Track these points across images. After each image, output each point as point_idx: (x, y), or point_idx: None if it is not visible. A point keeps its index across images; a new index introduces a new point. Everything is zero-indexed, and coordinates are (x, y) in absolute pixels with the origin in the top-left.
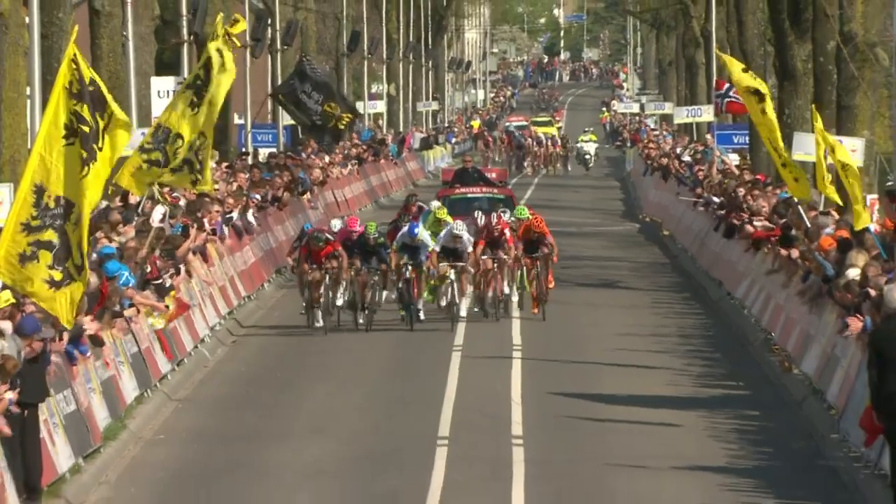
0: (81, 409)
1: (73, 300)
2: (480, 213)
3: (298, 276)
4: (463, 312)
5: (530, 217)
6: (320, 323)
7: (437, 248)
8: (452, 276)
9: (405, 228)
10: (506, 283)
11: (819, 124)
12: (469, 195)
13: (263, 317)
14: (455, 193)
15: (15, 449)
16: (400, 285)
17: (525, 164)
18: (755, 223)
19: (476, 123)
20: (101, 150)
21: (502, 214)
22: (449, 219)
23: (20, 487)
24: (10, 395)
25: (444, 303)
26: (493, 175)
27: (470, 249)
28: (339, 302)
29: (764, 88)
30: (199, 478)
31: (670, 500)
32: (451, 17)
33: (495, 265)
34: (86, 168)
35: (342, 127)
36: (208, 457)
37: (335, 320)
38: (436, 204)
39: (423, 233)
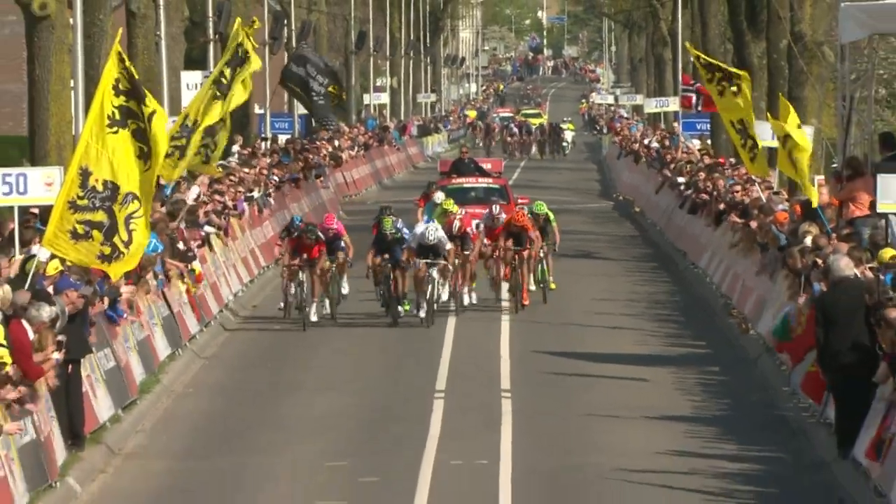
0: (120, 366)
1: (120, 271)
2: (498, 206)
3: (284, 268)
4: (444, 296)
5: (519, 207)
6: (314, 318)
7: (414, 246)
8: (435, 274)
9: (413, 231)
10: (530, 275)
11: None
12: (465, 185)
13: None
14: (452, 183)
15: (61, 400)
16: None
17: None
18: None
19: (472, 113)
20: (151, 137)
21: (524, 208)
22: (455, 209)
23: (66, 434)
24: (58, 356)
25: (422, 309)
26: (489, 166)
27: (449, 246)
28: (313, 318)
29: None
30: (223, 427)
31: (642, 446)
32: (447, 19)
33: (516, 259)
34: (147, 164)
35: (342, 102)
36: (231, 408)
37: (308, 315)
38: (441, 196)
39: (439, 232)
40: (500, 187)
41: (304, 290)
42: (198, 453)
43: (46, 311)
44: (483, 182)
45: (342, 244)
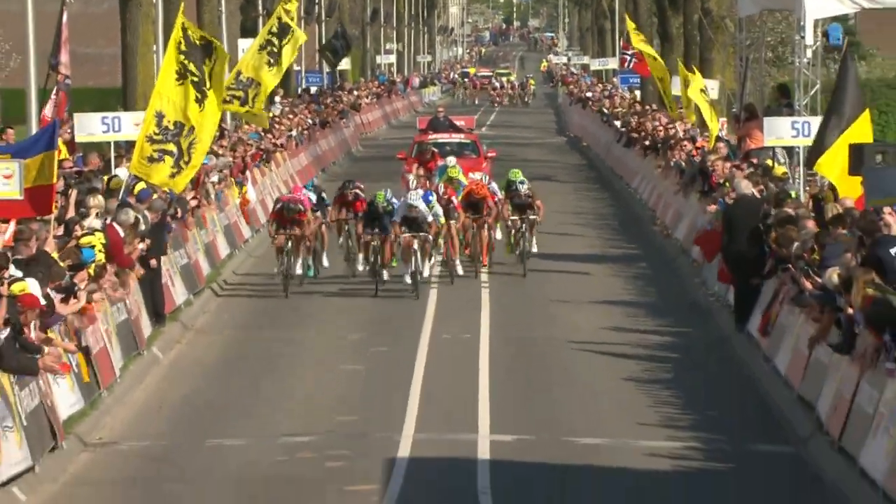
0: (191, 262)
1: (182, 183)
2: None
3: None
4: (426, 273)
5: (482, 177)
6: (299, 271)
7: (398, 220)
8: (416, 246)
9: (402, 200)
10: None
11: (697, 75)
12: (440, 140)
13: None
14: (428, 139)
15: (147, 289)
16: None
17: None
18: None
19: (472, 70)
20: (209, 90)
21: (484, 178)
22: (462, 178)
23: (151, 314)
24: (142, 246)
25: (410, 271)
26: (462, 122)
27: (430, 219)
28: (298, 270)
29: (651, 51)
30: (272, 307)
31: (588, 323)
32: None
33: (474, 226)
34: (202, 105)
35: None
36: (277, 294)
37: (297, 282)
38: (452, 160)
39: (435, 205)
40: (471, 142)
41: (290, 258)
42: (251, 328)
43: (131, 215)
44: (456, 137)
45: (388, 221)
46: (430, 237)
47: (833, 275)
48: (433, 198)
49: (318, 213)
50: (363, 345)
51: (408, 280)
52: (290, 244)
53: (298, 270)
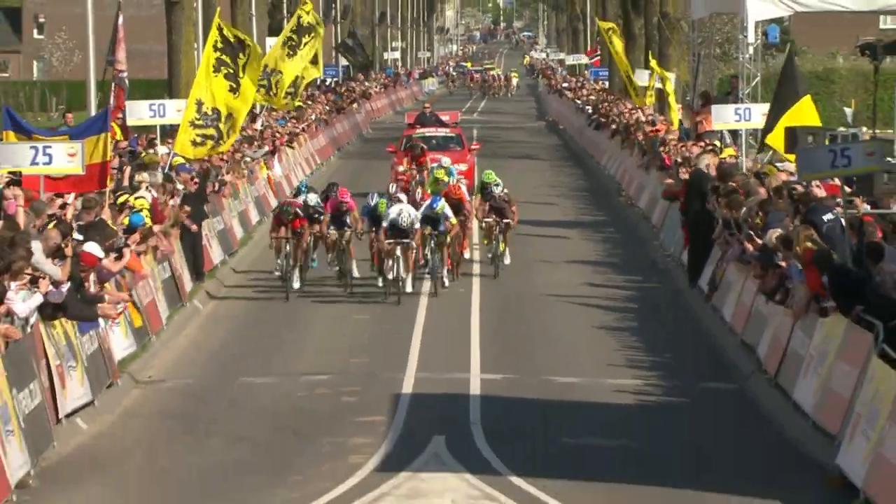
0: (226, 227)
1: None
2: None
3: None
4: (409, 288)
5: (457, 180)
6: (297, 284)
7: (386, 225)
8: (398, 253)
9: (427, 202)
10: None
11: (654, 63)
12: (427, 134)
13: (328, 177)
14: (416, 132)
15: (188, 249)
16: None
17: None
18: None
19: (469, 63)
20: (242, 79)
21: (461, 183)
22: (447, 178)
23: (192, 272)
24: (173, 202)
25: (390, 277)
26: (447, 117)
27: (417, 226)
28: (296, 284)
29: (620, 48)
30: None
31: (564, 280)
32: (438, 3)
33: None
34: (236, 93)
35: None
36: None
37: (291, 282)
38: (446, 160)
39: (443, 206)
40: (456, 135)
41: (290, 261)
42: (276, 288)
43: (158, 176)
44: (442, 131)
45: (348, 220)
46: (414, 245)
47: (773, 236)
48: (440, 203)
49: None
50: (372, 298)
51: (380, 283)
52: (287, 247)
53: (296, 284)
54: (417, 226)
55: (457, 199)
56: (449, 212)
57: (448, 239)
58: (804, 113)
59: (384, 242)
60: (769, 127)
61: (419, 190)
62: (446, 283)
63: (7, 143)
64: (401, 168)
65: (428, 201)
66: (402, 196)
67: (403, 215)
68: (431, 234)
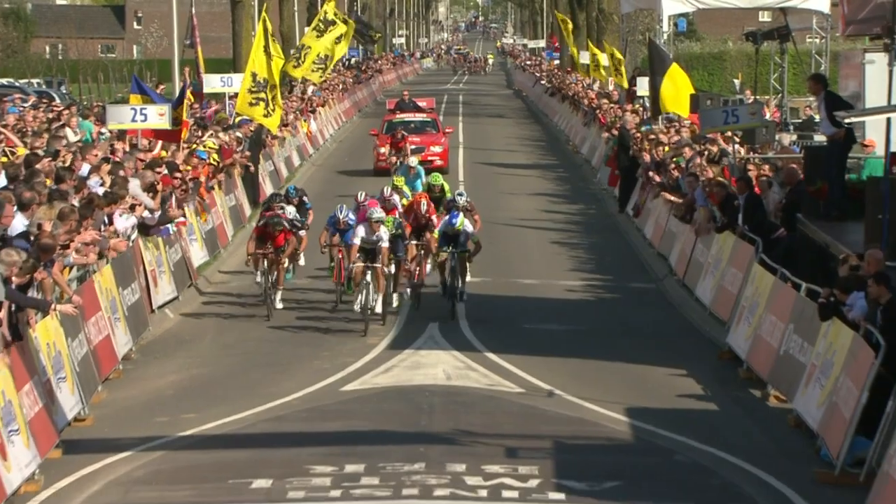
0: (276, 168)
1: (275, 124)
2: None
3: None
4: (378, 309)
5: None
6: (280, 305)
7: (357, 242)
8: (368, 278)
9: (445, 217)
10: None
11: (591, 46)
12: (406, 118)
13: (346, 136)
14: (395, 118)
15: (248, 185)
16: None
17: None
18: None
19: (460, 47)
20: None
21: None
22: (407, 189)
23: (250, 202)
24: (238, 155)
25: (358, 306)
26: (424, 104)
27: (386, 245)
28: (279, 305)
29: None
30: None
31: (530, 208)
32: (433, 0)
33: (421, 251)
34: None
35: (376, 40)
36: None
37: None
38: (414, 160)
39: (463, 221)
40: (431, 120)
41: (271, 278)
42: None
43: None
44: (419, 116)
45: (403, 245)
46: (385, 269)
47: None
48: (459, 219)
49: (302, 233)
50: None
51: (356, 308)
52: (265, 263)
53: (279, 305)
54: (386, 243)
55: (425, 216)
56: (469, 227)
57: (470, 258)
58: (676, 76)
59: (357, 265)
60: (654, 96)
61: (406, 190)
62: (464, 297)
63: (113, 103)
64: (381, 150)
65: (446, 217)
66: (378, 211)
67: (374, 233)
68: (452, 253)
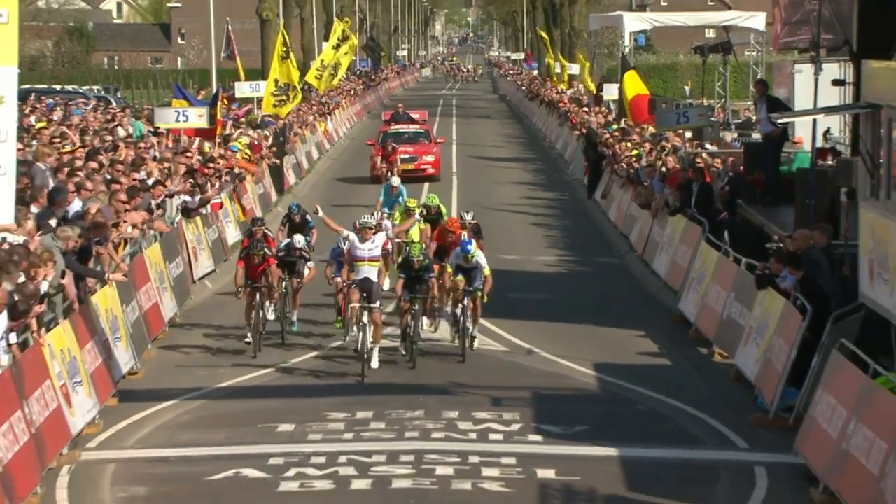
0: (298, 161)
1: (286, 111)
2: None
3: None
4: (374, 364)
5: (444, 219)
6: (272, 316)
7: (348, 247)
8: (364, 319)
9: (457, 248)
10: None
11: (561, 59)
12: (400, 129)
13: (356, 134)
14: (390, 129)
15: (274, 175)
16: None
17: (459, 78)
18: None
19: (454, 59)
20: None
21: (463, 220)
22: (416, 208)
23: (277, 190)
24: (266, 150)
25: (351, 340)
26: (417, 115)
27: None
28: (271, 316)
29: (549, 48)
30: (337, 184)
31: (508, 195)
32: (431, 19)
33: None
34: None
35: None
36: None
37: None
38: (396, 180)
39: (476, 252)
40: (424, 131)
41: (262, 312)
42: (334, 198)
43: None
44: (413, 127)
45: (429, 277)
46: (381, 311)
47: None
48: (472, 247)
49: (311, 264)
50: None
51: (353, 347)
52: (258, 297)
53: (271, 316)
54: (379, 250)
55: (453, 238)
56: (482, 259)
57: (484, 297)
58: (631, 80)
59: (353, 306)
60: (620, 100)
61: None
62: (475, 346)
63: (160, 106)
64: (377, 159)
65: (457, 249)
66: (371, 218)
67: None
68: (465, 290)
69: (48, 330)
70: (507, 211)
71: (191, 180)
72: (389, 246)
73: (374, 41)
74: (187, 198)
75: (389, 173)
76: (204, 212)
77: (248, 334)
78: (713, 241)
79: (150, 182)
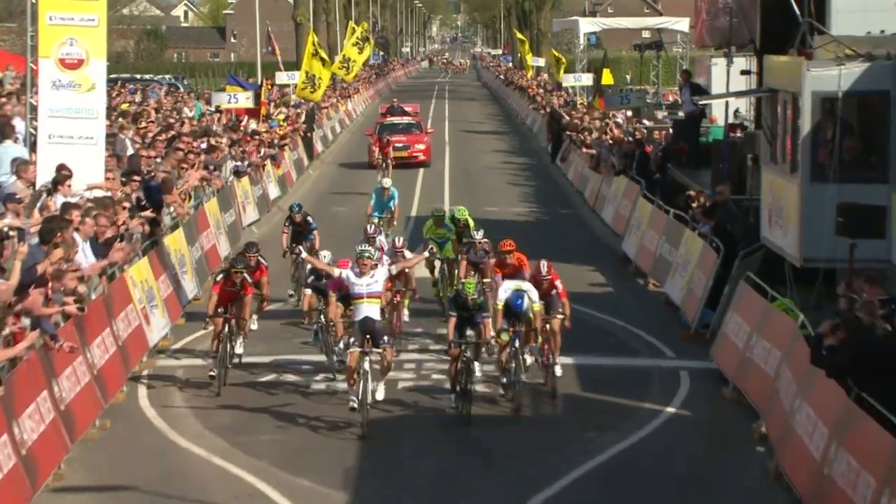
0: (325, 134)
1: (318, 96)
2: (545, 263)
3: (207, 320)
4: (380, 396)
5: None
6: (213, 372)
7: (344, 277)
8: (365, 367)
9: (508, 286)
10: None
11: (530, 54)
12: (395, 121)
13: (369, 113)
14: (386, 120)
15: (306, 144)
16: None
17: (450, 70)
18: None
19: (447, 55)
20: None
21: (552, 265)
22: (450, 222)
23: (308, 156)
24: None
25: (354, 402)
26: (410, 109)
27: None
28: (239, 349)
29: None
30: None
31: (488, 160)
32: (430, 22)
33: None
34: (325, 65)
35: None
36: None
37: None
38: (388, 182)
39: (529, 297)
40: (416, 122)
41: (230, 345)
42: (348, 168)
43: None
44: (406, 119)
45: (482, 318)
46: (389, 358)
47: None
48: (525, 301)
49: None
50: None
51: (353, 404)
52: (227, 328)
53: (239, 349)
54: (380, 286)
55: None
56: (534, 294)
57: (540, 339)
58: (607, 75)
59: (351, 351)
60: (597, 86)
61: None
62: (524, 410)
63: (217, 91)
64: (374, 149)
65: (512, 286)
66: (368, 249)
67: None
68: (516, 332)
69: (130, 266)
70: (488, 171)
71: (240, 149)
72: (395, 269)
73: (384, 40)
74: (238, 162)
75: (385, 164)
76: (250, 171)
77: (213, 367)
78: (648, 196)
79: (207, 149)
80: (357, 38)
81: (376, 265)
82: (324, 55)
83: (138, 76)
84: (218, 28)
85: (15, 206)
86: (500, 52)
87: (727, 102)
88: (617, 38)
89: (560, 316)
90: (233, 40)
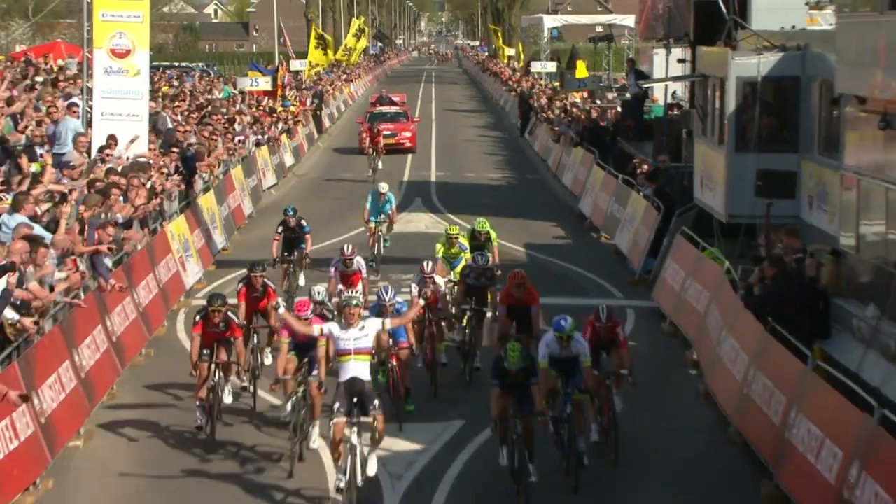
0: (332, 112)
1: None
2: (604, 307)
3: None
4: (371, 472)
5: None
6: (228, 400)
7: (320, 332)
8: (353, 440)
9: (547, 335)
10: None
11: (503, 45)
12: (383, 110)
13: (369, 93)
14: (375, 109)
15: (315, 121)
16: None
17: (436, 59)
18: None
19: (433, 46)
20: (322, 48)
21: (612, 311)
22: (463, 239)
23: (317, 131)
24: (310, 104)
25: (341, 482)
26: (398, 99)
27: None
28: (227, 399)
29: (498, 35)
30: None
31: (470, 133)
32: (419, 18)
33: (609, 382)
34: (326, 54)
35: (387, 43)
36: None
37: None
38: (384, 186)
39: (574, 331)
40: (403, 112)
41: (220, 392)
42: (345, 149)
43: (303, 92)
44: (394, 108)
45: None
46: (377, 425)
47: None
48: (568, 322)
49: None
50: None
51: (340, 484)
52: (217, 375)
53: (227, 399)
54: (370, 342)
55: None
56: (582, 343)
57: (593, 399)
58: (581, 67)
59: (334, 422)
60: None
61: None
62: (585, 461)
63: (242, 76)
64: (364, 136)
65: (547, 335)
66: (355, 296)
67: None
68: (567, 392)
69: (170, 222)
70: (467, 143)
71: (260, 124)
72: (390, 324)
73: (382, 33)
74: (259, 136)
75: (374, 153)
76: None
77: (199, 416)
78: (601, 164)
79: (237, 126)
80: (356, 30)
81: (366, 315)
82: (328, 38)
83: (176, 64)
84: (242, 23)
85: (70, 172)
86: (477, 43)
87: (666, 86)
88: (575, 32)
89: (623, 371)
90: (255, 33)
